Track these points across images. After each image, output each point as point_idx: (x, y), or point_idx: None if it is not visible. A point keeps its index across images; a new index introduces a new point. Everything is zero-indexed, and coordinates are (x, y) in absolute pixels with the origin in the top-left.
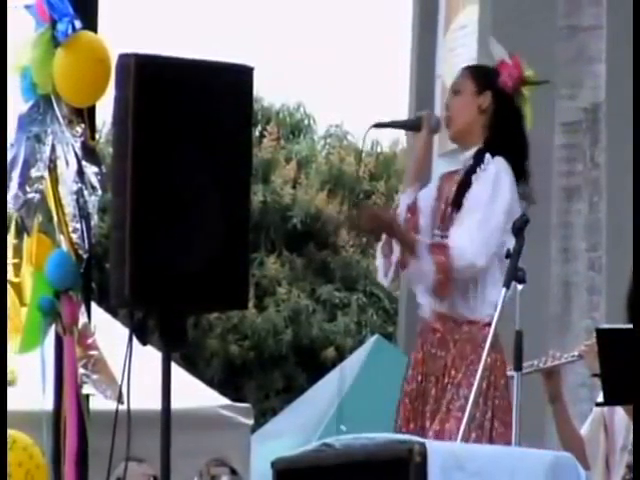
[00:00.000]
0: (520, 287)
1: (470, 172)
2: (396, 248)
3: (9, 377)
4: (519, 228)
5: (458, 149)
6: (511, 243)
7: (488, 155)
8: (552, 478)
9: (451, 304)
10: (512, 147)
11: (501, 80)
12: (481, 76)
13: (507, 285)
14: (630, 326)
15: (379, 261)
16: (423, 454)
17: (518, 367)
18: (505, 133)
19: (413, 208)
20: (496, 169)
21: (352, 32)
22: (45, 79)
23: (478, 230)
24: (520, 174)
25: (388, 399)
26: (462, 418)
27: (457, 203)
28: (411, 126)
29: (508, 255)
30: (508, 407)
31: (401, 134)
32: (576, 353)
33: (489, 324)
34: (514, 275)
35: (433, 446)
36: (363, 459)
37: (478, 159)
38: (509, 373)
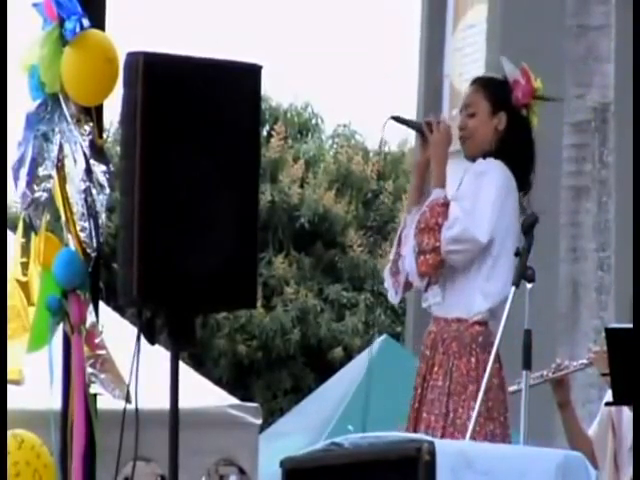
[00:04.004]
0: (529, 286)
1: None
2: (402, 267)
3: (17, 376)
4: (528, 227)
5: (462, 149)
6: (520, 242)
7: (481, 158)
8: (562, 478)
9: (443, 302)
10: (516, 157)
11: (514, 98)
12: (494, 96)
13: (516, 284)
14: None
15: (387, 282)
16: (432, 453)
17: (527, 365)
18: (513, 146)
19: None
20: (484, 167)
21: (360, 31)
22: (53, 78)
23: (465, 214)
24: (523, 185)
25: (396, 399)
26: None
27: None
28: (422, 131)
29: (517, 253)
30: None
31: (410, 134)
32: (585, 360)
33: (479, 323)
34: (523, 274)
35: (442, 445)
36: (372, 458)
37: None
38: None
